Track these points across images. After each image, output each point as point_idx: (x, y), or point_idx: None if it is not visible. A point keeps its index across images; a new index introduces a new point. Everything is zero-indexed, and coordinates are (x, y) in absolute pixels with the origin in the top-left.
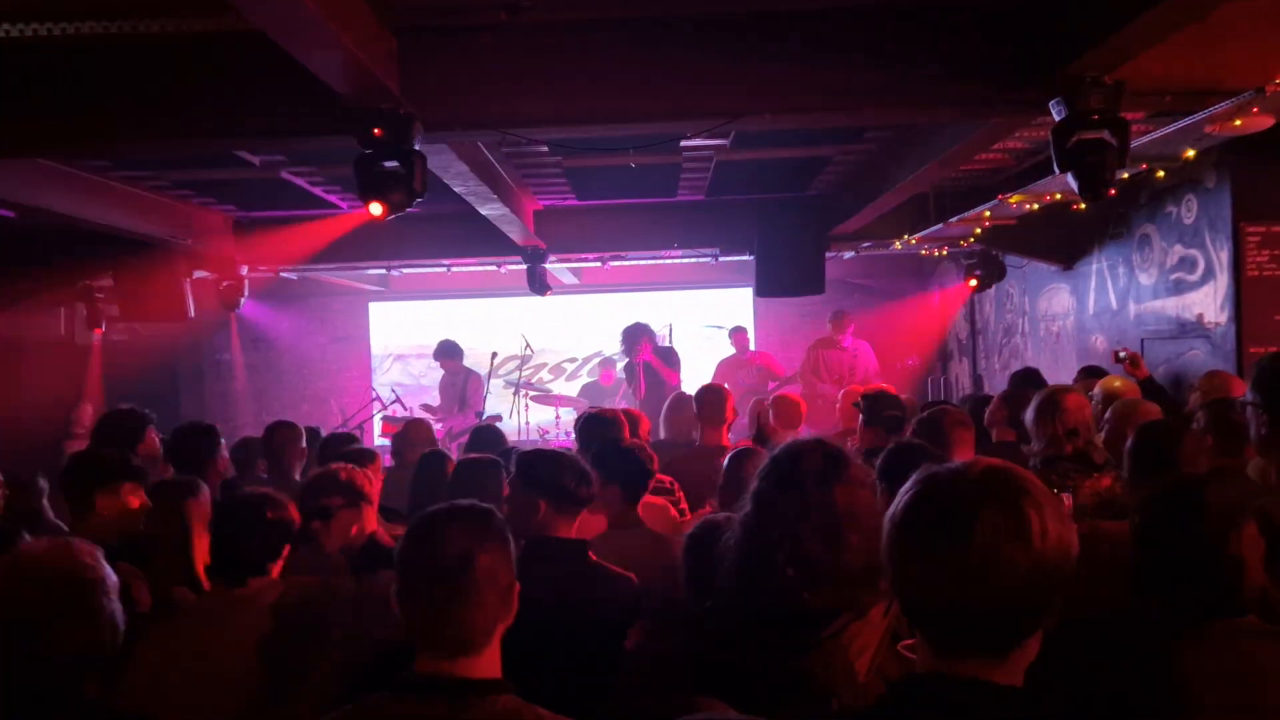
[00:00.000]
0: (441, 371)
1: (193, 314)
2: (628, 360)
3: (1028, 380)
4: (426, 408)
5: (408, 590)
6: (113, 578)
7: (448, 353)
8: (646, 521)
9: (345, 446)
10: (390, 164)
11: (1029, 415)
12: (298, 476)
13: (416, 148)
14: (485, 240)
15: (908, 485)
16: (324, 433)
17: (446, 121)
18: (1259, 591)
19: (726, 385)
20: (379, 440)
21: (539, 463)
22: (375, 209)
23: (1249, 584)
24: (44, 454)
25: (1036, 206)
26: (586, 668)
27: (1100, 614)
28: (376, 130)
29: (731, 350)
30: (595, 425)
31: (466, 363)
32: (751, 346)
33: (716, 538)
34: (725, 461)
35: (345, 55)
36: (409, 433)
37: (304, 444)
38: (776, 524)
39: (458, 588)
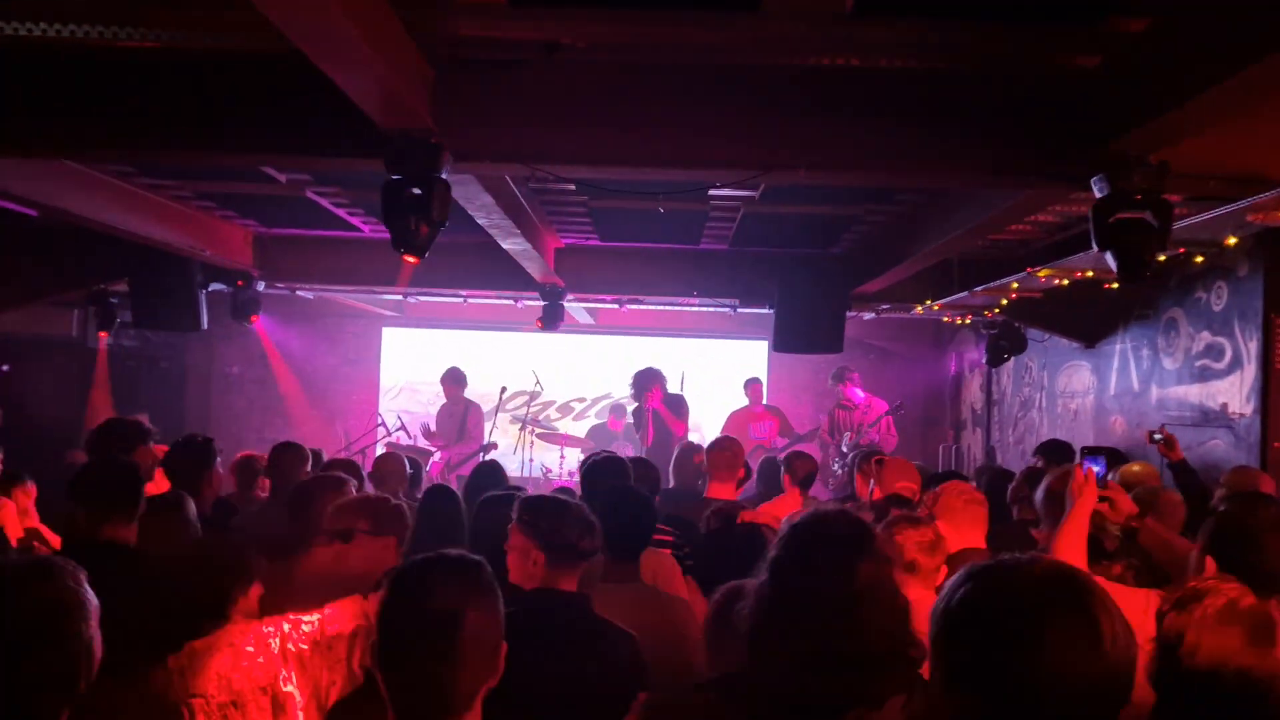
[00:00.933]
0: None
1: (205, 325)
2: (637, 405)
3: (1058, 453)
4: (428, 433)
5: (388, 646)
6: (93, 601)
7: (455, 379)
8: (647, 574)
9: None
10: (415, 190)
11: (1038, 495)
12: None
13: (443, 176)
14: (504, 274)
15: (959, 579)
16: (325, 456)
17: (476, 153)
18: None
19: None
20: None
21: (541, 510)
22: (409, 259)
23: None
24: (47, 452)
25: (1066, 282)
26: None
27: None
28: (406, 156)
29: (745, 401)
30: (601, 471)
31: (471, 394)
32: (765, 399)
33: None
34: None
35: (382, 81)
36: (381, 466)
37: (309, 468)
38: (792, 598)
39: (443, 647)
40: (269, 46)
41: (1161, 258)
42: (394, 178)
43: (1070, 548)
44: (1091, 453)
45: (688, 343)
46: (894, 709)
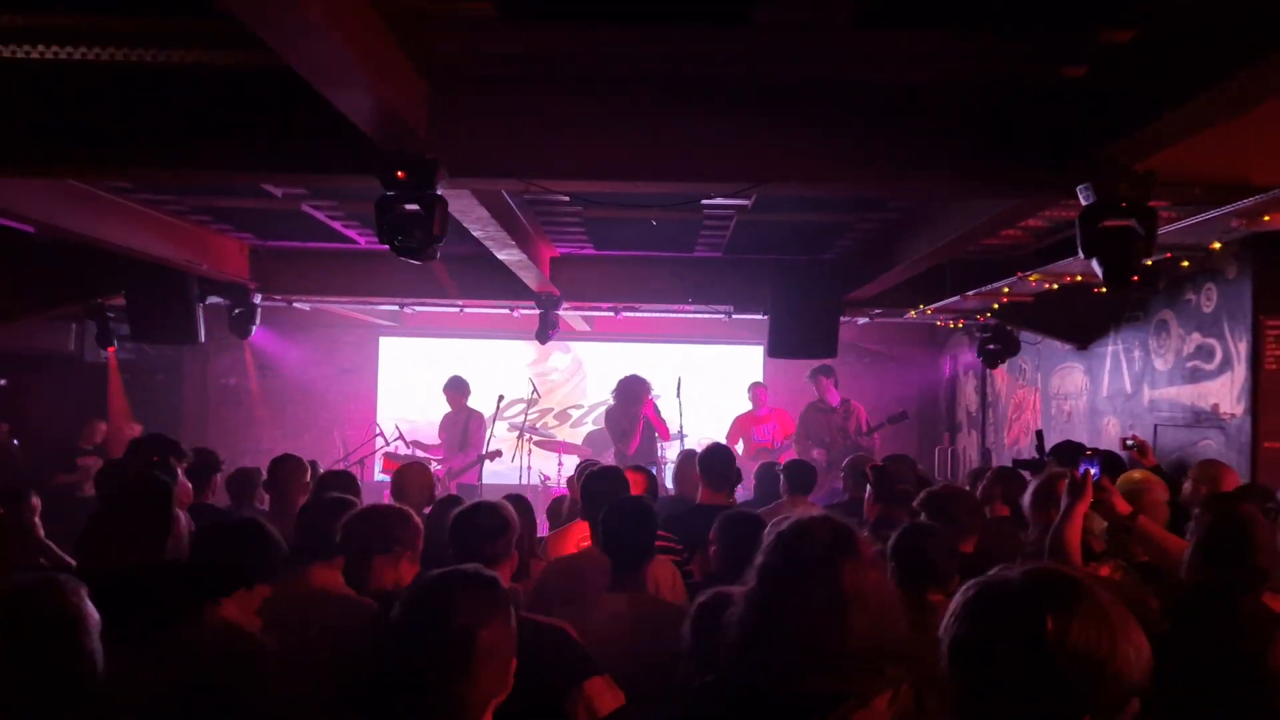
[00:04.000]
0: (443, 410)
1: (203, 338)
2: (622, 411)
3: (1068, 455)
4: (419, 445)
5: (401, 662)
6: (94, 616)
7: (457, 387)
8: (650, 583)
9: (340, 485)
10: (411, 207)
11: (1025, 499)
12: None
13: (439, 192)
14: (500, 283)
15: (964, 596)
16: (322, 467)
17: (472, 168)
18: None
19: (740, 442)
20: (379, 476)
21: (457, 518)
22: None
23: None
24: (48, 468)
25: (1056, 286)
26: None
27: None
28: (400, 173)
29: (744, 405)
30: (600, 482)
31: (472, 403)
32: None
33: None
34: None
35: (375, 98)
36: (403, 479)
37: (308, 479)
38: (781, 602)
39: (457, 663)
40: (261, 62)
41: (1148, 263)
42: (388, 194)
43: (1067, 546)
44: (1088, 457)
45: (683, 348)
46: (881, 705)
